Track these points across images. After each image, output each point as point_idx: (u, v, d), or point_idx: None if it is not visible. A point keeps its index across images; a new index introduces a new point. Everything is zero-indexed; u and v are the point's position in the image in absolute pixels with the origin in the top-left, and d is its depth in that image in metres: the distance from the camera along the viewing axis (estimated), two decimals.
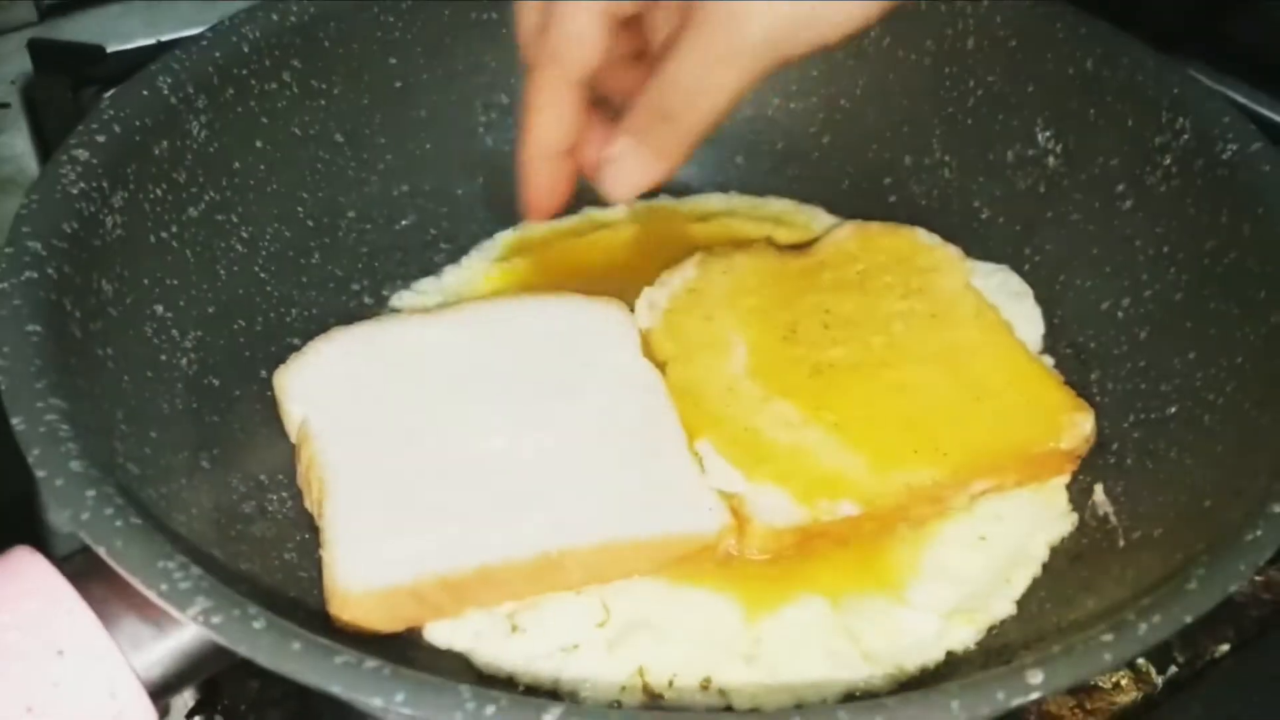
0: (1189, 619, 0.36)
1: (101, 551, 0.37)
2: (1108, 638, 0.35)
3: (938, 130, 0.71)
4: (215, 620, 0.35)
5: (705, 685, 0.50)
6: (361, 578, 0.48)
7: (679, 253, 0.66)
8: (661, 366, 0.60)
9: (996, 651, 0.50)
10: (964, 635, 0.51)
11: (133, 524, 0.38)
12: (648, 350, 0.61)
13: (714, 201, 0.74)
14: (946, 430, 0.56)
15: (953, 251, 0.67)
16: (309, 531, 0.54)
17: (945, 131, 0.71)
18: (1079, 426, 0.57)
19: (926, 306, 0.63)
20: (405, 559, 0.49)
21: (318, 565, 0.51)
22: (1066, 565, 0.53)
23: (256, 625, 0.35)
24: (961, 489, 0.55)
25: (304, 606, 0.49)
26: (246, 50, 0.62)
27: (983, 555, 0.54)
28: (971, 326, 0.62)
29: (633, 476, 0.54)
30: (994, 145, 0.69)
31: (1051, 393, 0.58)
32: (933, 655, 0.51)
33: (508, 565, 0.50)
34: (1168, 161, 0.60)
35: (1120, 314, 0.61)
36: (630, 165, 0.51)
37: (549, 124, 0.53)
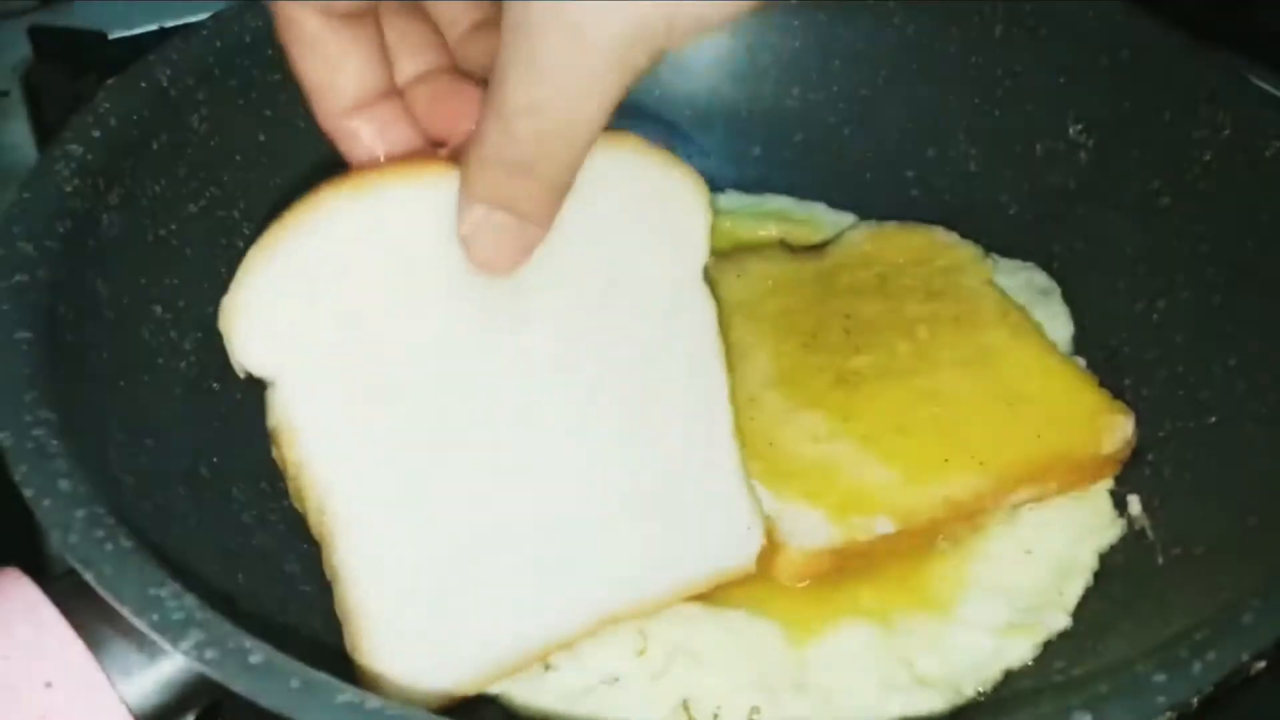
0: (1245, 656, 0.34)
1: (90, 578, 0.35)
2: (1160, 678, 0.33)
3: (963, 122, 0.69)
4: (209, 655, 0.33)
5: (753, 717, 0.48)
6: (399, 673, 0.43)
7: None
8: None
9: (1054, 668, 0.47)
10: (1020, 651, 0.49)
11: (123, 547, 0.36)
12: None
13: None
14: (982, 438, 0.54)
15: (972, 250, 0.65)
16: (310, 542, 0.52)
17: (971, 124, 0.69)
18: (1120, 429, 0.54)
19: (950, 309, 0.61)
20: (449, 664, 0.44)
21: (320, 580, 0.49)
22: (1112, 578, 0.51)
23: (253, 660, 0.33)
24: (1001, 500, 0.53)
25: (306, 627, 0.47)
26: (249, 40, 0.60)
27: (1031, 567, 0.52)
28: (999, 328, 0.60)
29: (680, 497, 0.48)
30: (1022, 138, 0.66)
31: (1088, 395, 0.56)
32: (989, 675, 0.49)
33: (558, 641, 0.47)
34: (1207, 157, 0.57)
35: (1155, 316, 0.58)
36: (494, 241, 0.40)
37: (316, 73, 0.43)
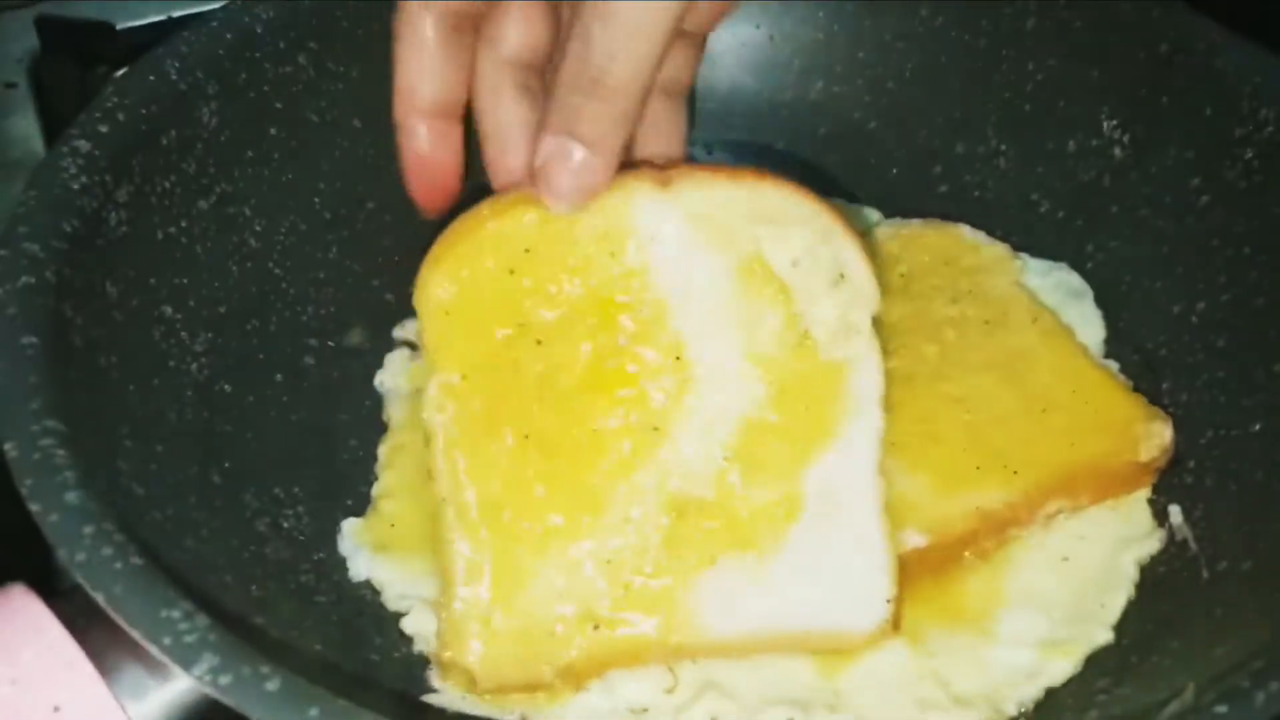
0: None
1: (99, 599, 0.33)
2: (1221, 709, 0.32)
3: (993, 117, 0.67)
4: (224, 681, 0.32)
5: None
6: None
7: None
8: None
9: (1097, 687, 0.46)
10: (1062, 668, 0.48)
11: (133, 565, 0.35)
12: None
13: None
14: (1013, 446, 0.52)
15: (1000, 250, 0.63)
16: (324, 550, 0.51)
17: (1001, 118, 0.67)
18: (1157, 436, 0.53)
19: (978, 311, 0.59)
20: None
21: (336, 589, 0.48)
22: (1156, 592, 0.49)
23: (269, 687, 0.32)
24: (1035, 511, 0.51)
25: (323, 639, 0.46)
26: (260, 31, 0.58)
27: (1069, 578, 0.51)
28: (1029, 331, 0.58)
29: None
30: (1054, 134, 0.64)
31: (1123, 401, 0.54)
32: (1030, 693, 0.47)
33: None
34: (1249, 155, 0.55)
35: (1194, 319, 0.57)
36: (566, 166, 0.43)
37: (416, 69, 0.47)
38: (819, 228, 0.45)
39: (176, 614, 0.33)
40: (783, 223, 0.45)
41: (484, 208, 0.46)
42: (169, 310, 0.53)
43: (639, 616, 0.45)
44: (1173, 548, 0.50)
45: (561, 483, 0.45)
